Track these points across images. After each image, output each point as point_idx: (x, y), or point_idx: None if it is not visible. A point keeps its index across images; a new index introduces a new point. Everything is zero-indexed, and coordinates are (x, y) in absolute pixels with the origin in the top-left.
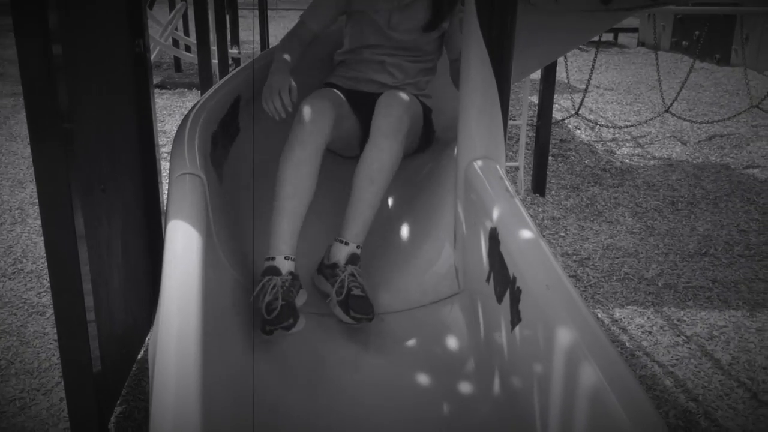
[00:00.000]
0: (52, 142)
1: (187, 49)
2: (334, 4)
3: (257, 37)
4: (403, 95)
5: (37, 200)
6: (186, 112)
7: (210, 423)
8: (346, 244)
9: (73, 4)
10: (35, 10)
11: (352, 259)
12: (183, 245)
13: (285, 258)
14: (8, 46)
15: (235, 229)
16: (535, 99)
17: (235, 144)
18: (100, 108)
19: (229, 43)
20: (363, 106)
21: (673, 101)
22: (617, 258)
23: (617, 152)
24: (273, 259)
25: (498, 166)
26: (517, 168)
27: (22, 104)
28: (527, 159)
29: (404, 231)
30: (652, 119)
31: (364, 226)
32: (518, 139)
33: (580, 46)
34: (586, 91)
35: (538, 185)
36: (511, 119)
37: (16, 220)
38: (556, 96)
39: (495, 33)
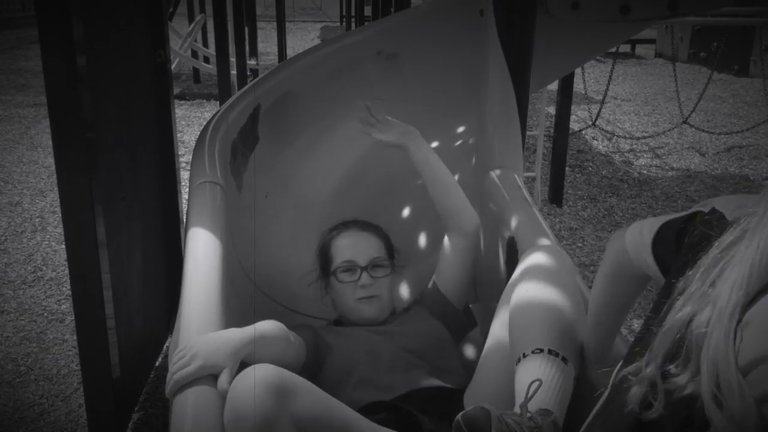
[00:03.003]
0: (75, 152)
1: (206, 60)
2: None
3: (275, 49)
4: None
5: (57, 209)
6: (205, 123)
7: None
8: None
9: (97, 16)
10: (61, 21)
11: None
12: (203, 253)
13: None
14: (30, 58)
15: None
16: (552, 110)
17: (254, 153)
18: (121, 118)
19: (247, 55)
20: None
21: (691, 112)
22: None
23: (635, 163)
24: None
25: (516, 176)
26: (533, 178)
27: (44, 114)
28: (544, 169)
29: (422, 241)
30: (669, 130)
31: None
32: (535, 149)
33: (598, 57)
34: (603, 101)
35: (555, 196)
36: (528, 130)
37: (36, 228)
38: (573, 107)
39: (514, 43)
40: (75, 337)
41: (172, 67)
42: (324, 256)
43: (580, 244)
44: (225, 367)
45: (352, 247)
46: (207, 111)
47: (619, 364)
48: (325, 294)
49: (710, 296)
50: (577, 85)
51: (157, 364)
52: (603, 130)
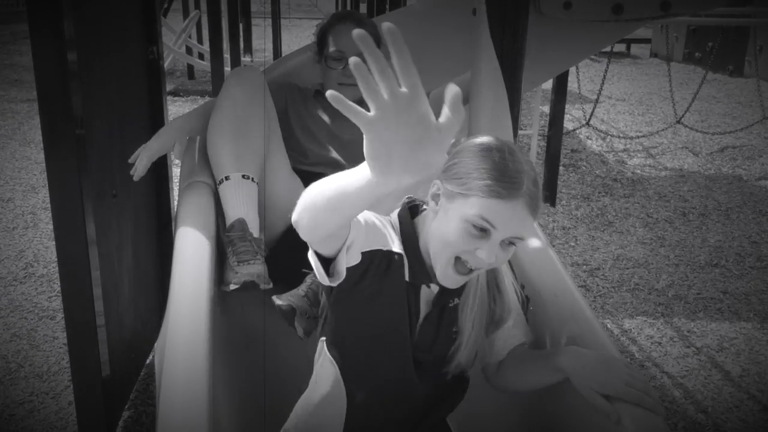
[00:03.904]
0: (65, 148)
1: (201, 56)
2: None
3: (270, 45)
4: None
5: (49, 205)
6: None
7: (217, 429)
8: None
9: (89, 11)
10: (51, 17)
11: None
12: (192, 252)
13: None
14: (24, 53)
15: None
16: (546, 109)
17: None
18: (112, 114)
19: (242, 51)
20: None
21: (685, 112)
22: (627, 268)
23: (628, 162)
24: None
25: None
26: None
27: (37, 110)
28: (538, 169)
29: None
30: (663, 130)
31: None
32: (529, 148)
33: (592, 57)
34: (597, 101)
35: (549, 195)
36: (521, 129)
37: (28, 224)
38: (567, 106)
39: (506, 42)
40: (65, 335)
41: (166, 63)
42: (322, 39)
43: (573, 244)
44: (174, 141)
45: (344, 39)
46: None
47: None
48: (316, 62)
49: None
50: (571, 84)
51: (147, 362)
52: (597, 129)
